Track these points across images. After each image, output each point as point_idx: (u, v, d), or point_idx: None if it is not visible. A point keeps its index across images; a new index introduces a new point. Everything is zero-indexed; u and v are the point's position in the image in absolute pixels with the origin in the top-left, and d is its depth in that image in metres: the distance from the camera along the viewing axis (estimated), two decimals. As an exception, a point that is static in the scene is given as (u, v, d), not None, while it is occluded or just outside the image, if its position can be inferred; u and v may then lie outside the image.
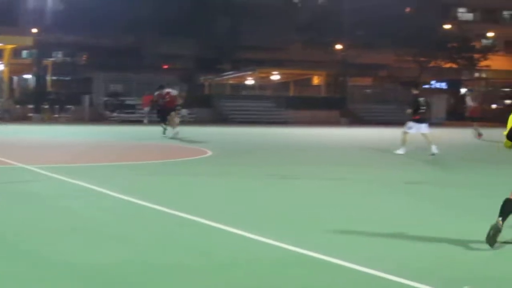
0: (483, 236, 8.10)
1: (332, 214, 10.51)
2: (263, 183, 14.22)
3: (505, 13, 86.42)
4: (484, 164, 20.75)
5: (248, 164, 18.60)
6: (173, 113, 30.13)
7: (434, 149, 21.86)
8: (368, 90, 68.01)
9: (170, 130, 30.06)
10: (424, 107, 22.30)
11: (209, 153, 21.61)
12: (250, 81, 65.39)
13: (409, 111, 22.38)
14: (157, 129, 31.94)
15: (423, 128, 22.16)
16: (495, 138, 33.36)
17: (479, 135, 33.44)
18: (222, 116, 53.95)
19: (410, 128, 22.33)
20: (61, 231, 8.68)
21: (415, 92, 23.07)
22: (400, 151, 22.19)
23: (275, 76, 66.11)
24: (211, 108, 55.41)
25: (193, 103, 50.50)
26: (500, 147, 9.50)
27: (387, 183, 14.84)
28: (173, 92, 31.10)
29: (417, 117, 22.11)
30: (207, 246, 7.91)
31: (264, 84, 65.24)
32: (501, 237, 8.11)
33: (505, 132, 9.17)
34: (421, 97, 22.85)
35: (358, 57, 64.06)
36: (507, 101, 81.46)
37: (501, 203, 8.33)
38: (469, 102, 36.07)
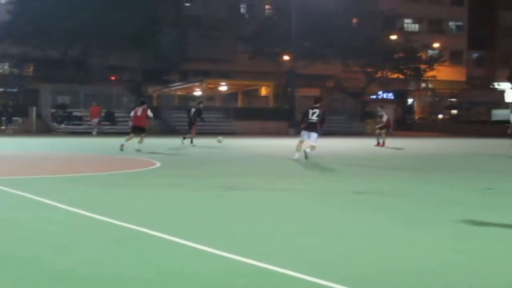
0: (429, 245, 8.22)
1: (278, 224, 10.57)
2: (211, 195, 14.24)
3: (451, 24, 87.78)
4: (426, 173, 21.05)
5: (196, 176, 18.58)
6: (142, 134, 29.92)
7: (297, 155, 23.80)
8: (316, 101, 68.27)
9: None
10: (316, 119, 23.97)
11: (158, 164, 21.57)
12: (198, 92, 65.37)
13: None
14: (106, 141, 31.72)
15: (312, 136, 23.95)
16: (419, 147, 34.13)
17: (381, 143, 35.44)
18: (170, 127, 53.84)
19: (302, 135, 24.34)
20: (8, 244, 8.61)
21: (315, 105, 24.56)
22: (296, 157, 23.95)
23: (223, 87, 66.20)
24: (159, 119, 55.27)
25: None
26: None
27: (334, 193, 14.97)
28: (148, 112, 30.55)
29: (304, 125, 24.20)
30: (155, 258, 7.91)
31: (212, 95, 65.27)
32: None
33: None
34: (316, 109, 24.18)
35: (305, 68, 64.48)
36: (453, 111, 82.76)
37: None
38: (385, 115, 37.19)
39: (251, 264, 7.62)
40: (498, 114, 79.41)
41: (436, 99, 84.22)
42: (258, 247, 8.67)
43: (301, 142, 24.32)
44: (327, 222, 11.03)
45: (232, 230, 9.91)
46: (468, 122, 73.00)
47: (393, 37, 72.60)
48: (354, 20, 70.69)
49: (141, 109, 30.11)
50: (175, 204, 12.80)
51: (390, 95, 77.31)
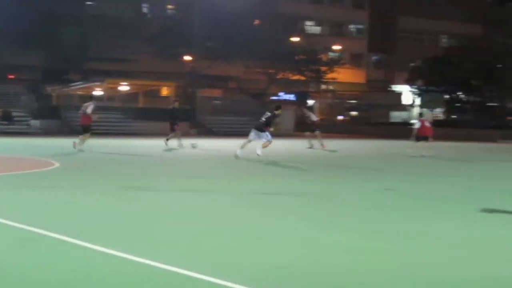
0: (337, 245, 8.22)
1: (182, 225, 10.45)
2: (113, 196, 13.98)
3: (351, 27, 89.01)
4: (339, 173, 21.24)
5: (96, 177, 18.25)
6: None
7: (260, 151, 25.25)
8: (217, 102, 68.32)
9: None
10: (264, 120, 25.95)
11: (57, 165, 21.10)
12: (98, 92, 64.40)
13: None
14: (4, 141, 30.86)
15: (262, 136, 25.61)
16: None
17: (311, 147, 35.45)
18: (70, 127, 52.86)
19: (250, 134, 26.04)
20: None
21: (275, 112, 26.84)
22: (237, 153, 25.44)
23: (124, 87, 65.38)
24: (59, 119, 54.14)
25: (40, 114, 49.13)
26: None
27: (242, 193, 14.91)
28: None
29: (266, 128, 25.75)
30: (55, 261, 7.68)
31: (112, 95, 64.39)
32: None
33: None
34: (268, 112, 26.49)
35: (207, 69, 64.34)
36: (353, 113, 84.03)
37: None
38: (314, 117, 37.32)
39: (150, 265, 7.49)
40: (396, 116, 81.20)
41: (337, 100, 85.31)
42: (164, 249, 8.52)
43: (248, 140, 25.97)
44: (236, 222, 10.96)
45: (135, 232, 9.73)
46: (368, 124, 74.27)
47: (295, 39, 73.14)
48: (257, 22, 70.90)
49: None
50: (74, 205, 12.51)
51: (292, 97, 77.80)
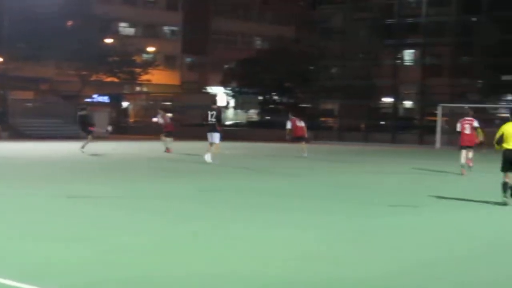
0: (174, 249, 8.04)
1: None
2: None
3: (165, 29, 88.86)
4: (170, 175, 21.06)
5: None
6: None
7: (207, 157, 25.59)
8: (29, 104, 66.23)
9: None
10: (214, 120, 25.91)
11: None
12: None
13: None
14: None
15: (215, 137, 25.99)
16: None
17: (168, 149, 34.28)
18: None
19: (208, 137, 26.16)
20: None
21: (213, 106, 26.98)
22: (206, 157, 25.82)
23: None
24: None
25: None
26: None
27: (46, 197, 14.45)
28: None
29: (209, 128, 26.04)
30: None
31: None
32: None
33: (495, 141, 14.90)
34: (213, 111, 26.22)
35: (18, 70, 62.24)
36: (169, 114, 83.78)
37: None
38: (160, 119, 36.55)
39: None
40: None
41: (151, 102, 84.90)
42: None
43: (210, 144, 26.15)
44: (55, 226, 10.60)
45: None
46: (183, 125, 74.30)
47: (108, 40, 72.10)
48: (70, 23, 69.25)
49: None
50: None
51: (106, 99, 76.66)
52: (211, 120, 26.00)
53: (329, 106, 69.24)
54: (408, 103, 69.13)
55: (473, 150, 24.52)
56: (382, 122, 59.70)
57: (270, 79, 73.82)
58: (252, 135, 58.86)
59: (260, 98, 78.58)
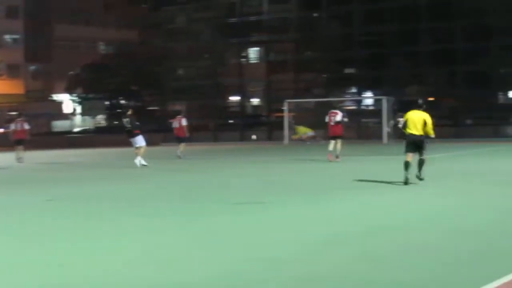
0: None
1: None
2: None
3: (7, 37, 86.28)
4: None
5: None
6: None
7: (138, 161, 25.85)
8: None
9: None
10: (129, 126, 26.42)
11: None
12: None
13: None
14: None
15: (136, 141, 26.23)
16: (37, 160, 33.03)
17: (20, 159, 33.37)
18: None
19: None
20: None
21: (128, 113, 27.51)
22: (143, 163, 25.97)
23: None
24: None
25: None
26: None
27: None
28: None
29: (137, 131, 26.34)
30: None
31: None
32: None
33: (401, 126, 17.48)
34: (127, 118, 26.77)
35: None
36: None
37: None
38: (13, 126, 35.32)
39: None
40: (59, 125, 79.93)
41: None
42: None
43: (136, 148, 26.36)
44: None
45: None
46: (33, 135, 72.46)
47: None
48: None
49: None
50: None
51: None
52: (127, 127, 26.62)
53: (177, 107, 68.97)
54: (255, 101, 69.87)
55: (341, 141, 27.07)
56: (231, 121, 60.04)
57: (116, 83, 72.99)
58: (101, 141, 57.94)
59: (107, 103, 77.50)
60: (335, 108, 28.35)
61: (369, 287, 7.17)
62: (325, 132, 31.88)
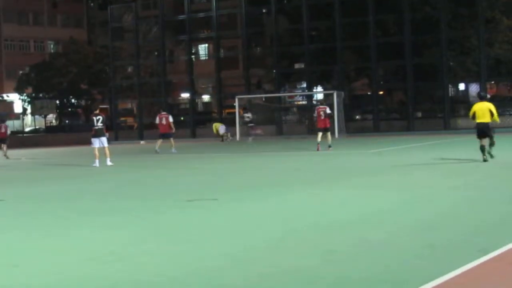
0: None
1: None
2: None
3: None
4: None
5: None
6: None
7: (98, 162, 25.74)
8: None
9: None
10: (101, 124, 26.13)
11: None
12: None
13: None
14: None
15: (104, 141, 26.07)
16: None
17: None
18: None
19: (93, 143, 26.13)
20: None
21: (95, 111, 27.56)
22: (96, 164, 25.83)
23: None
24: None
25: None
26: None
27: None
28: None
29: (93, 132, 26.11)
30: None
31: None
32: None
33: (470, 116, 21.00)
34: (99, 116, 26.51)
35: None
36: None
37: None
38: None
39: None
40: (9, 125, 79.03)
41: None
42: None
43: (95, 149, 26.08)
44: None
45: None
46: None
47: None
48: None
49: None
50: None
51: None
52: (97, 125, 26.12)
53: (128, 105, 68.69)
54: (206, 97, 69.88)
55: (329, 132, 30.65)
56: (182, 118, 59.86)
57: (66, 82, 72.45)
58: (52, 140, 57.43)
59: (57, 102, 76.91)
60: (322, 104, 32.47)
61: (319, 282, 7.27)
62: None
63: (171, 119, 34.21)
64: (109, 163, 25.79)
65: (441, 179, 16.89)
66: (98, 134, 26.07)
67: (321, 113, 30.13)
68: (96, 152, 26.02)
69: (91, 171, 24.70)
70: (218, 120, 52.40)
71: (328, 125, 30.61)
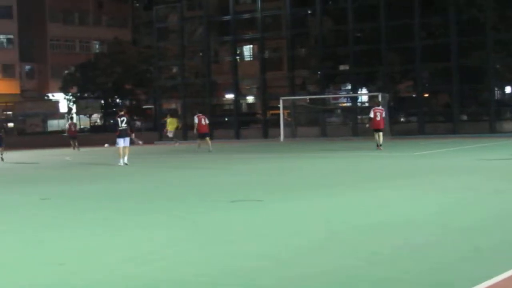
0: None
1: None
2: None
3: (1, 37, 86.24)
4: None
5: None
6: None
7: (122, 161, 26.30)
8: None
9: None
10: (125, 125, 26.57)
11: None
12: None
13: None
14: None
15: (127, 142, 26.54)
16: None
17: None
18: None
19: (118, 143, 26.46)
20: None
21: (120, 113, 27.53)
22: (120, 163, 26.36)
23: None
24: None
25: None
26: None
27: None
28: None
29: (117, 133, 26.37)
30: None
31: None
32: None
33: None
34: (123, 117, 26.82)
35: None
36: (10, 124, 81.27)
37: None
38: None
39: None
40: (54, 124, 79.97)
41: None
42: None
43: (120, 148, 26.51)
44: None
45: None
46: (23, 134, 72.77)
47: None
48: None
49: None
50: None
51: None
52: (121, 126, 26.52)
53: (172, 105, 68.92)
54: (250, 98, 69.83)
55: (383, 133, 31.77)
56: (226, 119, 59.93)
57: (111, 82, 73.01)
58: (97, 140, 57.84)
59: (102, 102, 77.59)
60: (378, 105, 33.49)
61: (361, 283, 7.22)
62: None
63: (207, 120, 36.49)
64: (125, 161, 26.41)
65: (487, 182, 16.68)
66: (122, 134, 26.54)
67: (377, 114, 31.46)
68: (121, 152, 26.55)
69: (127, 170, 24.84)
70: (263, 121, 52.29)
71: (382, 126, 31.87)
